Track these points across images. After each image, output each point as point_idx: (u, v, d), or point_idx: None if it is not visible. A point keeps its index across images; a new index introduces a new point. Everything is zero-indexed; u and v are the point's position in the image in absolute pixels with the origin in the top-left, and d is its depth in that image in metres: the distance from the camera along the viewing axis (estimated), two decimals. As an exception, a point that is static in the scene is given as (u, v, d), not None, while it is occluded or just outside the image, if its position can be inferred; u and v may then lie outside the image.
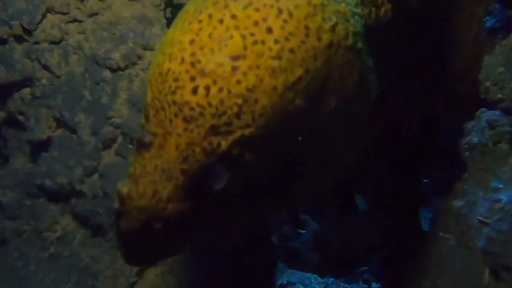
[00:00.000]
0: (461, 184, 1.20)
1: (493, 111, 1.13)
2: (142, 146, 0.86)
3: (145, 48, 1.61)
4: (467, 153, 1.16)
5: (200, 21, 0.87)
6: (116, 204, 0.87)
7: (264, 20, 0.86)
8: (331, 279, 2.21)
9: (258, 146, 0.86)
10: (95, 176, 1.59)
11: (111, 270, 1.52)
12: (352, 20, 0.95)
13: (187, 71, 0.84)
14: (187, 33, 0.87)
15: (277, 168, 0.92)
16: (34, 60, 1.60)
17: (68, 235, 1.58)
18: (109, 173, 1.57)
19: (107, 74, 1.59)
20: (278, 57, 0.85)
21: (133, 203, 0.83)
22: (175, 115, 0.83)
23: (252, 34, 0.85)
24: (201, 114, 0.82)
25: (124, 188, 0.85)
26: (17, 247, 1.55)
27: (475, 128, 1.16)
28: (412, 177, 1.51)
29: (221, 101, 0.82)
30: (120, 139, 1.59)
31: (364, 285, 2.16)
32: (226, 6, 0.87)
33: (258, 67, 0.84)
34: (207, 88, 0.82)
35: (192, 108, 0.82)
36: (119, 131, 1.59)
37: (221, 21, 0.86)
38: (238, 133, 0.83)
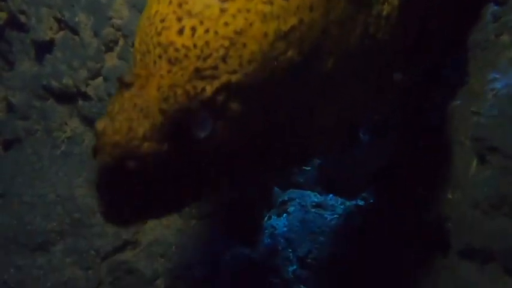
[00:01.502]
0: (462, 87, 1.19)
1: (498, 6, 1.08)
2: (123, 85, 0.82)
3: None
4: (469, 53, 1.13)
5: None
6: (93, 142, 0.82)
7: None
8: (331, 195, 2.31)
9: (246, 95, 0.82)
10: (99, 79, 1.62)
11: (119, 168, 1.61)
12: None
13: (174, 12, 0.80)
14: None
15: (271, 125, 0.88)
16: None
17: (77, 137, 1.66)
18: (112, 76, 1.60)
19: (105, -30, 1.54)
20: (270, 2, 0.81)
21: (107, 139, 0.79)
22: (160, 57, 0.80)
23: None
24: (186, 56, 0.79)
25: (100, 124, 0.81)
26: (31, 145, 1.64)
27: (479, 26, 1.13)
28: (421, 107, 1.50)
29: (207, 43, 0.79)
30: (121, 42, 1.59)
31: (361, 202, 2.26)
32: None
33: (248, 11, 0.80)
34: (193, 29, 0.79)
35: (177, 49, 0.79)
36: (120, 33, 1.58)
37: None
38: (224, 78, 0.80)
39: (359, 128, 1.35)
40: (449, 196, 1.18)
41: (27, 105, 1.67)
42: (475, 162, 1.09)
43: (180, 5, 0.81)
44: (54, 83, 1.61)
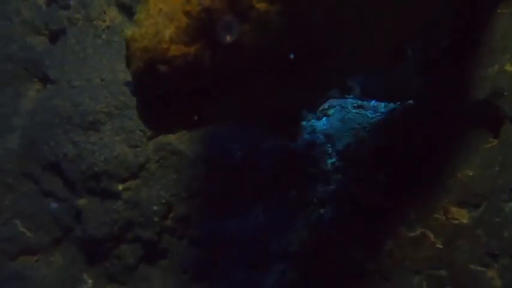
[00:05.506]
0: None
1: None
2: None
3: None
4: None
5: None
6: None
7: None
8: (374, 100, 2.23)
9: None
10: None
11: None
12: None
13: None
14: None
15: (305, 34, 0.82)
16: None
17: (116, 26, 1.69)
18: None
19: None
20: None
21: (136, 45, 0.80)
22: None
23: None
24: None
25: (128, 31, 0.82)
26: (74, 34, 1.71)
27: None
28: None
29: None
30: None
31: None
32: None
33: None
34: None
35: None
36: None
37: None
38: None
39: (407, 45, 1.23)
40: (507, 68, 1.09)
41: (67, -8, 1.70)
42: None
43: None
44: (88, -35, 1.61)
